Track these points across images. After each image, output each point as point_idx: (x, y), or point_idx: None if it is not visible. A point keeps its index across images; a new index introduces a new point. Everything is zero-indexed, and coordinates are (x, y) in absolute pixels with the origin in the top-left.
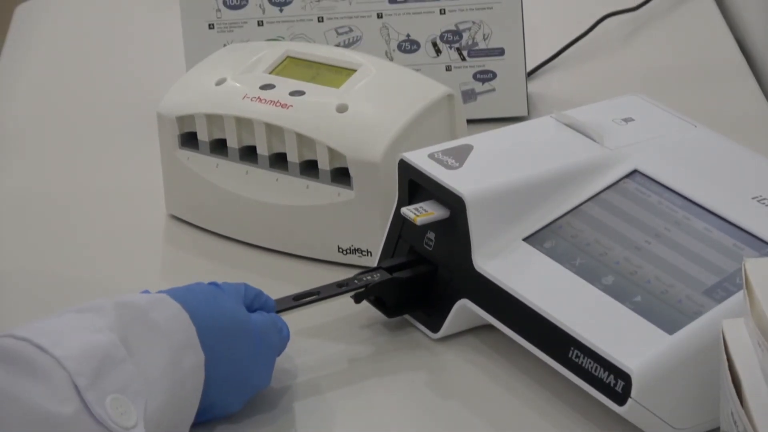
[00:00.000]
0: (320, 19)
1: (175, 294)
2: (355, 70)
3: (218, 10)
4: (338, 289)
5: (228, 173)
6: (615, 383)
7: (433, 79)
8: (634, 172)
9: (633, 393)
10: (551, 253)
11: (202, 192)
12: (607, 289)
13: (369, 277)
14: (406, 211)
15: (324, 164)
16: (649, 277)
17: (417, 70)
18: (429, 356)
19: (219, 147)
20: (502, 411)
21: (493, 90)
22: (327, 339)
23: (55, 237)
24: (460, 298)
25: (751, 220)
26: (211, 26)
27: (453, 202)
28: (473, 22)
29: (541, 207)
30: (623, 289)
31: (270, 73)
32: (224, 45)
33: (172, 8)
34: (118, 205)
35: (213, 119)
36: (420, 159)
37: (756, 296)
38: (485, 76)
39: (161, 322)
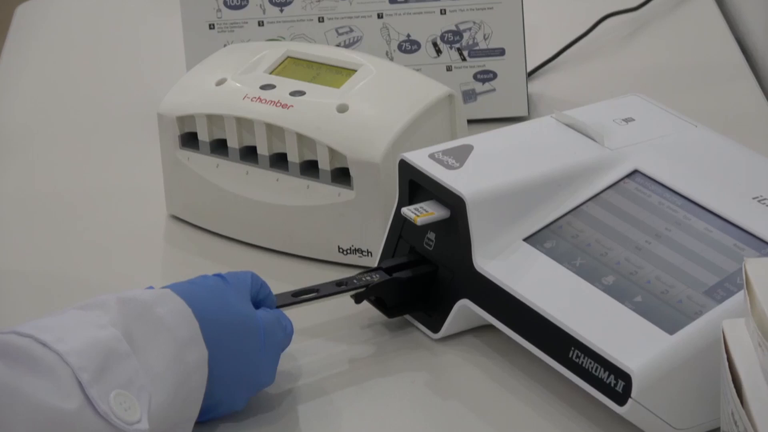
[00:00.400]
0: (321, 20)
1: (180, 289)
2: (355, 71)
3: (218, 10)
4: (337, 287)
5: (228, 173)
6: (615, 383)
7: (433, 79)
8: (635, 172)
9: (633, 393)
10: (552, 254)
11: (202, 192)
12: (608, 289)
13: (369, 277)
14: (406, 211)
15: (324, 164)
16: (650, 278)
17: (417, 70)
18: (429, 356)
19: (219, 147)
20: (502, 411)
21: (494, 90)
22: (328, 339)
23: (56, 237)
24: (460, 298)
25: (751, 220)
26: (211, 26)
27: (453, 202)
28: (474, 23)
29: (542, 207)
30: (624, 290)
31: (270, 73)
32: (225, 45)
33: (172, 8)
34: (118, 205)
35: (213, 119)
36: (420, 159)
37: (756, 296)
38: (485, 76)
39: (165, 317)
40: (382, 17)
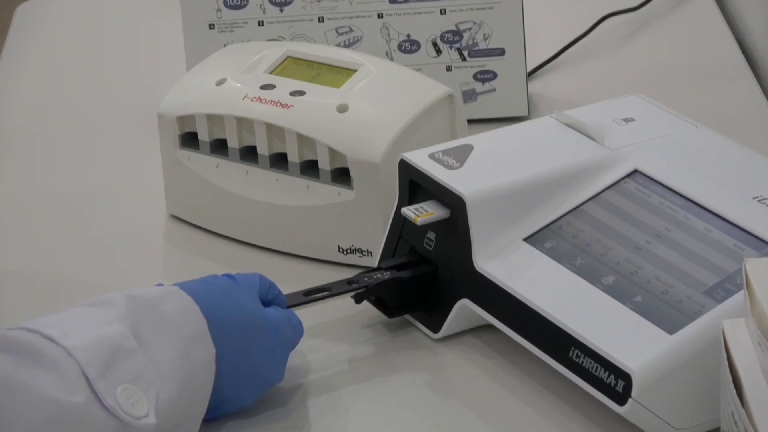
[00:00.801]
0: (321, 19)
1: (189, 287)
2: (355, 70)
3: (219, 10)
4: (348, 286)
5: (228, 173)
6: (615, 383)
7: (433, 79)
8: (635, 172)
9: (633, 393)
10: (552, 253)
11: (202, 192)
12: (608, 289)
13: (380, 275)
14: (406, 211)
15: (324, 164)
16: (650, 277)
17: (417, 70)
18: (429, 356)
19: (219, 147)
20: (502, 411)
21: (494, 90)
22: (328, 339)
23: (56, 237)
24: (460, 298)
25: (751, 220)
26: (211, 26)
27: (453, 202)
28: (474, 22)
29: (542, 207)
30: (624, 289)
31: (270, 73)
32: (225, 45)
33: (172, 8)
34: (118, 205)
35: (213, 119)
36: (420, 159)
37: (756, 296)
38: (485, 76)
39: (172, 314)
40: (382, 17)
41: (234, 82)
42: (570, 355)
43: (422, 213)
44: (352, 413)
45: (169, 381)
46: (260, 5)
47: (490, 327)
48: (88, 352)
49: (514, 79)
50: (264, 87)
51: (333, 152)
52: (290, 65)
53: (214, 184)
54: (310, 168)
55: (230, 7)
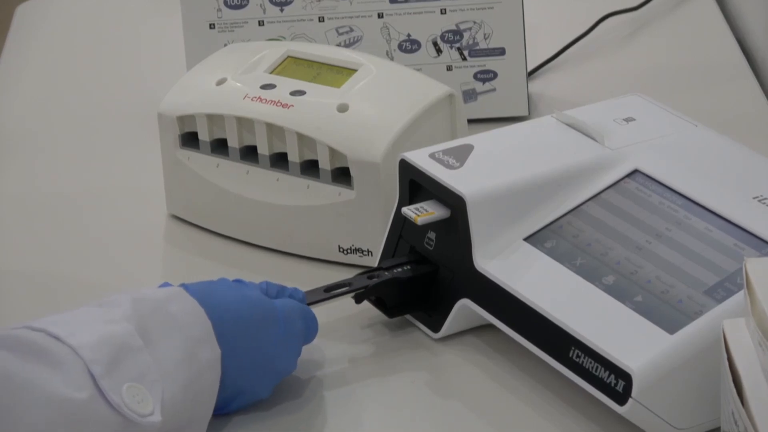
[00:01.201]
0: (321, 19)
1: (196, 288)
2: (355, 70)
3: (219, 9)
4: (369, 280)
5: (229, 173)
6: (616, 383)
7: (433, 78)
8: (635, 171)
9: (634, 393)
10: (552, 253)
11: (202, 192)
12: (608, 289)
13: (399, 269)
14: (406, 210)
15: (325, 164)
16: (650, 277)
17: (418, 69)
18: (429, 356)
19: (220, 147)
20: (502, 411)
21: (494, 90)
22: (328, 339)
23: (56, 237)
24: (460, 298)
25: (751, 219)
26: (211, 26)
27: (454, 202)
28: (474, 22)
29: (542, 207)
30: (624, 289)
31: (271, 72)
32: (225, 45)
33: (172, 8)
34: (118, 205)
35: (214, 119)
36: (421, 159)
37: (757, 296)
38: (486, 76)
39: (178, 314)
40: (382, 17)
41: (234, 82)
42: (570, 355)
43: (422, 213)
44: (352, 413)
45: (174, 381)
46: (260, 5)
47: (490, 327)
48: (93, 350)
49: (515, 78)
50: (264, 87)
51: (333, 152)
52: (290, 65)
53: (215, 184)
54: (310, 168)
55: (230, 6)
